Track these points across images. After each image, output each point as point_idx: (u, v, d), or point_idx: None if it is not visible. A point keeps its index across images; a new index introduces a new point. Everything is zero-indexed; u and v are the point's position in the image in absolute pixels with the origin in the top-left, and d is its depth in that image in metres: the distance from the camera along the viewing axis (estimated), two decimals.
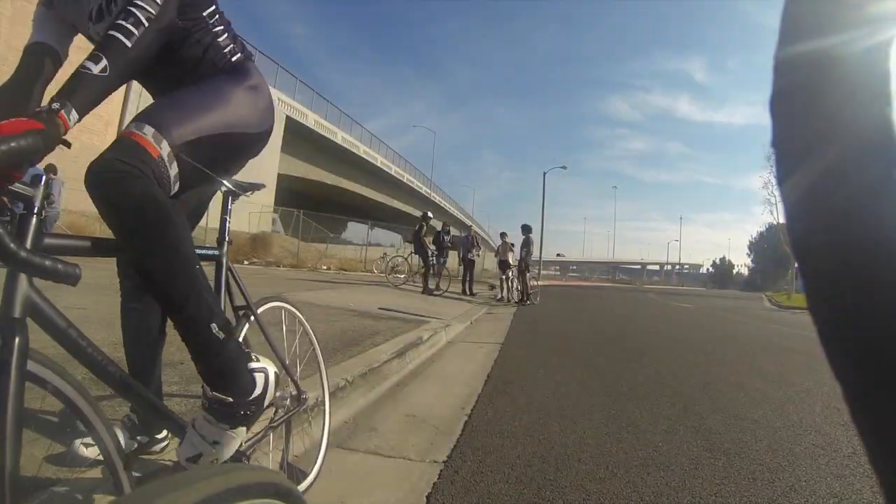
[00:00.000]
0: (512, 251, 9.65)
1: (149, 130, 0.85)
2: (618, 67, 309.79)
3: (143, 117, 0.88)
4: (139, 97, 11.13)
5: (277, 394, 1.09)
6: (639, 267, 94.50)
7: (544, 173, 24.96)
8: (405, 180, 35.49)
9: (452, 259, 10.77)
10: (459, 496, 1.39)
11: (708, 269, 78.44)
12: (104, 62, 0.78)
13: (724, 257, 73.71)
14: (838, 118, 0.26)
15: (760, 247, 54.10)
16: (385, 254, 12.68)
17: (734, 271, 68.86)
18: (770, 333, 6.75)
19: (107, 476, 1.03)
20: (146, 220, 0.79)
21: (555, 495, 1.42)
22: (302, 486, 1.15)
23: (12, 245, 0.55)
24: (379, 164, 30.74)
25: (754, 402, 2.65)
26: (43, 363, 0.63)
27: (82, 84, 0.75)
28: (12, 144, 0.60)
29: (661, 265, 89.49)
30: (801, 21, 0.29)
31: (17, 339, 0.57)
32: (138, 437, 1.15)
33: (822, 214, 0.27)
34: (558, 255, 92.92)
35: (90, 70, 0.76)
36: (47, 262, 0.58)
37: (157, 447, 1.18)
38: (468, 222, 41.51)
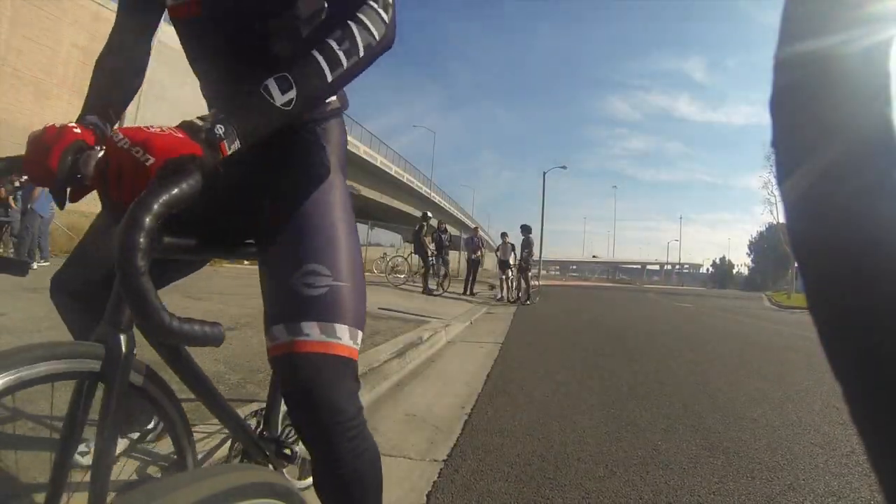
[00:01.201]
0: (513, 251, 9.67)
1: (355, 334, 0.67)
2: (618, 67, 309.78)
3: (331, 311, 0.65)
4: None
5: None
6: (639, 267, 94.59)
7: (544, 173, 24.98)
8: (405, 180, 35.47)
9: (452, 259, 10.79)
10: (459, 495, 1.39)
11: (708, 269, 78.50)
12: (292, 93, 0.56)
13: (724, 257, 73.78)
14: (838, 118, 0.26)
15: (760, 246, 54.11)
16: (385, 254, 12.67)
17: (734, 271, 68.89)
18: (770, 333, 6.75)
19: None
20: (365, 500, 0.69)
21: (554, 494, 1.43)
22: (310, 479, 1.15)
23: (167, 318, 0.43)
24: (379, 165, 30.72)
25: (753, 401, 2.65)
26: (144, 374, 0.62)
27: (259, 112, 0.55)
28: (175, 192, 0.45)
29: (661, 265, 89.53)
30: (801, 21, 0.29)
31: (123, 350, 0.55)
32: (129, 435, 1.02)
33: (822, 214, 0.27)
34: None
35: (272, 99, 0.55)
36: (196, 329, 0.45)
37: (150, 437, 1.06)
38: (469, 222, 41.52)
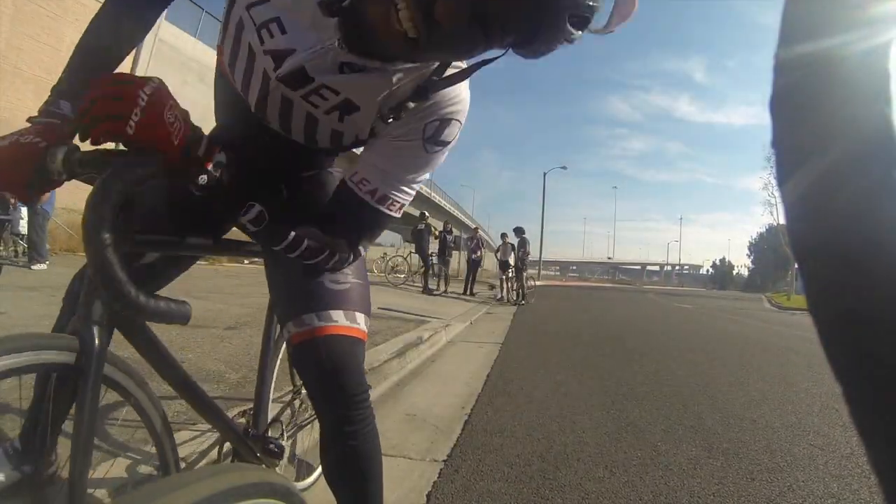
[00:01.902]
0: (513, 252, 9.69)
1: (366, 320, 0.78)
2: (618, 67, 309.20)
3: (353, 302, 0.77)
4: None
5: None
6: (639, 267, 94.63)
7: (544, 174, 25.05)
8: None
9: (452, 259, 10.81)
10: (459, 494, 1.39)
11: (708, 270, 78.56)
12: (253, 229, 0.62)
13: (724, 258, 73.84)
14: (838, 118, 0.26)
15: (760, 247, 54.16)
16: (385, 254, 12.66)
17: (734, 272, 68.90)
18: (769, 334, 6.75)
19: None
20: (374, 477, 0.78)
21: (553, 494, 1.43)
22: (310, 480, 1.15)
23: (133, 293, 0.45)
24: None
25: (753, 402, 2.65)
26: (121, 368, 0.62)
27: (237, 203, 0.60)
28: (139, 172, 0.48)
29: (661, 266, 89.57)
30: (801, 21, 0.29)
31: (96, 343, 0.54)
32: (23, 468, 0.85)
33: (822, 215, 0.27)
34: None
35: (248, 215, 0.61)
36: (161, 305, 0.49)
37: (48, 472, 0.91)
38: (469, 223, 41.53)
